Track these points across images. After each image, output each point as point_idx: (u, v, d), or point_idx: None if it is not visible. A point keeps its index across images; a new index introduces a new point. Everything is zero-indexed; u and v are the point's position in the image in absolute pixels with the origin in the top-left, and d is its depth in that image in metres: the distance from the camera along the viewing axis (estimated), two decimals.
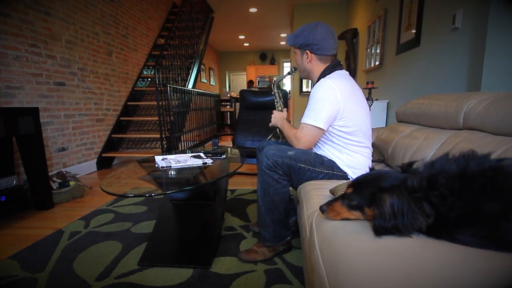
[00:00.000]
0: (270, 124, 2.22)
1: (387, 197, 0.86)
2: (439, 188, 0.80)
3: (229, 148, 2.99)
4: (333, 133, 1.83)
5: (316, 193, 1.57)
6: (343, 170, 1.85)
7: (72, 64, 4.23)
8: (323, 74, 1.88)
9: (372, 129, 1.97)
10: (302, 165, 1.80)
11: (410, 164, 1.00)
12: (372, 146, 1.96)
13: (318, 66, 1.92)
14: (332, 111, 1.75)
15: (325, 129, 1.80)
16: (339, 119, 1.77)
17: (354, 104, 1.79)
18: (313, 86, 1.93)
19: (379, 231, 0.86)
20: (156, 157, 2.32)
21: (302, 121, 1.84)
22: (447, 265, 0.70)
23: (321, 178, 1.83)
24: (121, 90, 5.56)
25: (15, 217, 2.79)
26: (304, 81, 8.21)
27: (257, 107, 4.56)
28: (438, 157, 0.92)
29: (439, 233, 0.80)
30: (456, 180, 0.79)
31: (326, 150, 1.90)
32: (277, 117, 2.16)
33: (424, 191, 0.83)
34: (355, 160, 1.85)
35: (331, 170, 1.84)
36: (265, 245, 1.96)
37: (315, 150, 1.97)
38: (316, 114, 1.77)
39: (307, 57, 1.91)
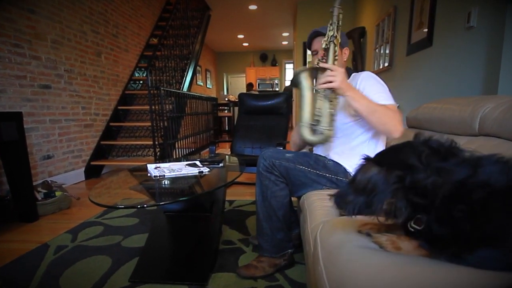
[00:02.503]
0: (324, 86, 1.64)
1: (373, 168, 0.83)
2: (471, 204, 0.72)
3: (227, 156, 2.99)
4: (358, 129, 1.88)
5: (320, 204, 1.58)
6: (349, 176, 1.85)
7: (58, 65, 4.26)
8: (347, 72, 1.99)
9: None
10: (301, 167, 1.82)
11: (451, 148, 0.84)
12: None
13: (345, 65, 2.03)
14: None
15: None
16: None
17: None
18: None
19: (336, 198, 0.87)
20: (148, 165, 2.33)
21: (389, 102, 1.73)
22: (458, 282, 0.70)
23: (324, 184, 1.85)
24: (111, 93, 5.58)
25: None
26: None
27: (257, 111, 4.56)
28: (487, 160, 0.79)
29: (442, 249, 0.78)
30: (499, 198, 0.71)
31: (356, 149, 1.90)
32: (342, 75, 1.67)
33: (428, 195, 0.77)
34: None
35: (334, 175, 1.84)
36: (264, 256, 1.97)
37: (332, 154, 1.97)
38: (391, 96, 1.79)
39: (345, 54, 1.99)
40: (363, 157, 0.90)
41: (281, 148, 2.15)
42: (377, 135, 1.88)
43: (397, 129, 1.63)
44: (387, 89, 1.83)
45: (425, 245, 0.82)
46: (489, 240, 0.71)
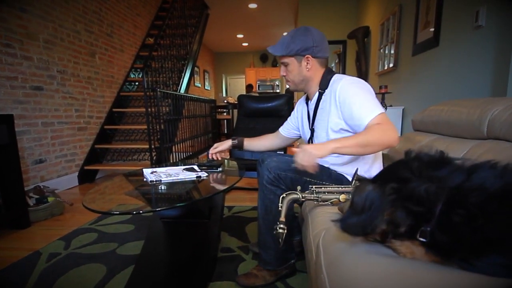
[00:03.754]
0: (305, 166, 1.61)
1: (367, 187, 0.89)
2: (469, 207, 0.75)
3: (226, 160, 2.99)
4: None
5: (323, 210, 1.58)
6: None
7: (51, 66, 4.27)
8: (326, 79, 1.88)
9: None
10: (308, 179, 1.80)
11: (441, 159, 0.90)
12: (386, 158, 1.97)
13: (318, 71, 1.91)
14: None
15: None
16: None
17: None
18: (309, 97, 2.03)
19: (341, 224, 0.90)
20: (144, 170, 2.33)
21: (374, 114, 1.60)
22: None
23: None
24: (105, 95, 5.59)
25: None
26: None
27: (257, 114, 4.57)
28: (481, 167, 0.83)
29: (450, 255, 0.79)
30: (496, 200, 0.75)
31: (343, 166, 1.89)
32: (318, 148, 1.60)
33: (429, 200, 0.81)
34: (373, 171, 1.85)
35: (339, 184, 1.84)
36: (266, 269, 1.96)
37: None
38: (376, 103, 1.66)
39: (307, 63, 1.87)
40: (357, 179, 0.96)
41: (283, 154, 2.13)
42: None
43: (392, 141, 1.55)
44: (370, 94, 1.71)
45: (432, 251, 0.83)
46: (492, 243, 0.73)
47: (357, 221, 0.86)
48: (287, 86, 2.02)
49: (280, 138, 2.42)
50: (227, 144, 2.38)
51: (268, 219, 1.87)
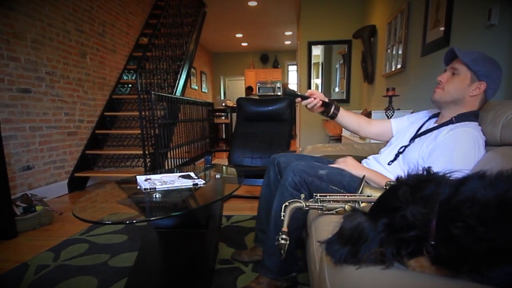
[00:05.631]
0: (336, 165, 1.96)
1: (360, 217, 0.92)
2: (465, 219, 0.77)
3: (224, 167, 3.00)
4: None
5: (327, 219, 1.57)
6: None
7: (39, 67, 4.28)
8: (465, 115, 1.78)
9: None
10: (335, 188, 1.78)
11: (427, 177, 0.95)
12: None
13: (473, 105, 1.80)
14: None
15: None
16: None
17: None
18: (438, 116, 1.95)
19: (326, 246, 0.95)
20: (138, 177, 2.34)
21: None
22: None
23: None
24: (96, 98, 5.60)
25: None
26: (321, 88, 8.21)
27: (257, 118, 4.57)
28: (471, 179, 0.87)
29: (459, 267, 0.79)
30: (492, 209, 0.76)
31: None
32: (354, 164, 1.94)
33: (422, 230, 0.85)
34: None
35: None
36: (266, 277, 1.95)
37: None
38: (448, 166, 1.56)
39: (477, 88, 1.73)
40: (352, 207, 0.98)
41: (310, 156, 2.09)
42: None
43: None
44: (456, 158, 1.63)
45: (441, 265, 0.84)
46: (502, 253, 0.74)
47: (341, 250, 0.91)
48: (434, 97, 1.86)
49: (377, 127, 2.31)
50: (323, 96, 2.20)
51: (280, 225, 1.83)
